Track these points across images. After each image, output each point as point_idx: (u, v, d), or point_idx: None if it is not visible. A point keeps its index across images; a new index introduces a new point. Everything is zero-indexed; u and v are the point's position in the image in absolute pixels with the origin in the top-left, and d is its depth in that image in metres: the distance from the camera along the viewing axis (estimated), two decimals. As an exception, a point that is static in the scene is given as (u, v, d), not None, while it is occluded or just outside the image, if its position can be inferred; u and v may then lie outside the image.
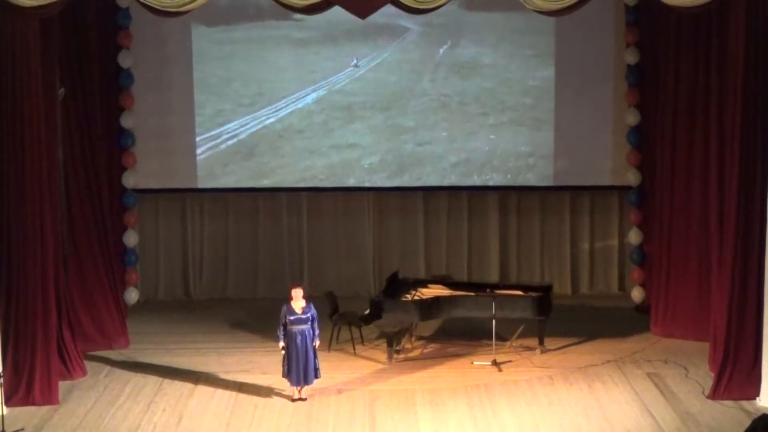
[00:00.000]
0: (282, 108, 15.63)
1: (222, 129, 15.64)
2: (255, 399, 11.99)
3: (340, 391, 12.21)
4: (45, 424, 11.42)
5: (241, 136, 15.67)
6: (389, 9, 14.04)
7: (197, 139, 15.61)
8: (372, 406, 11.77)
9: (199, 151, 15.64)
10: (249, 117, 15.63)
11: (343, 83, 15.63)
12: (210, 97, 15.56)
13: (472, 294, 13.53)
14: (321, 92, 15.62)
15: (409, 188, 15.89)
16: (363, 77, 15.64)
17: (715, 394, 11.84)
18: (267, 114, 15.65)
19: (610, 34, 15.27)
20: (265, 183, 15.72)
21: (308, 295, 12.39)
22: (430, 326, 14.21)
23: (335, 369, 12.84)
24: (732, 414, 11.41)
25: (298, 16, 14.72)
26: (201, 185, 15.76)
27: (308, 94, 15.61)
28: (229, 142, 15.67)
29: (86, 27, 13.82)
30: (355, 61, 15.44)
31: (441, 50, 15.61)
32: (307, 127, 15.65)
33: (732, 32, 11.80)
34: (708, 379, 12.21)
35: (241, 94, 15.59)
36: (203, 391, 12.26)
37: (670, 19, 13.39)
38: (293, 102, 15.61)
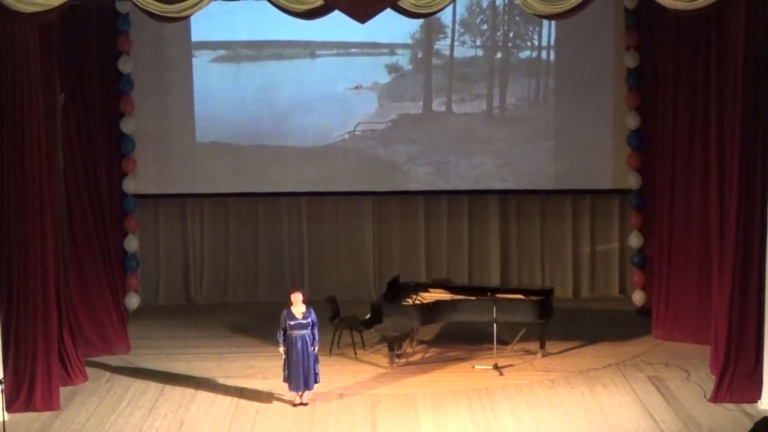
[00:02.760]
0: (286, 115, 15.62)
1: (224, 134, 15.66)
2: (256, 404, 11.96)
3: (341, 396, 12.19)
4: (46, 429, 11.40)
5: (243, 143, 15.68)
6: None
7: (197, 144, 15.64)
8: (373, 411, 11.75)
9: (198, 155, 15.65)
10: (250, 122, 15.64)
11: (346, 92, 15.62)
12: (210, 102, 15.55)
13: (473, 298, 13.52)
14: (324, 99, 15.63)
15: (410, 192, 15.89)
16: (365, 86, 15.62)
17: (717, 396, 11.82)
18: (269, 119, 15.65)
19: (609, 38, 15.27)
20: (267, 188, 15.72)
21: (309, 300, 12.38)
22: (431, 330, 14.20)
23: (336, 373, 12.82)
24: (733, 417, 11.39)
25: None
26: (201, 190, 15.76)
27: (312, 102, 15.61)
28: (231, 147, 15.69)
29: (86, 32, 13.82)
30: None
31: (440, 60, 15.61)
32: (311, 132, 15.63)
33: (731, 35, 11.79)
34: (709, 382, 12.19)
35: (242, 99, 15.60)
36: (204, 396, 12.24)
37: (670, 22, 13.39)
38: (298, 109, 15.61)
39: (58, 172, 12.74)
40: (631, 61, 14.98)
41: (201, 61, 15.54)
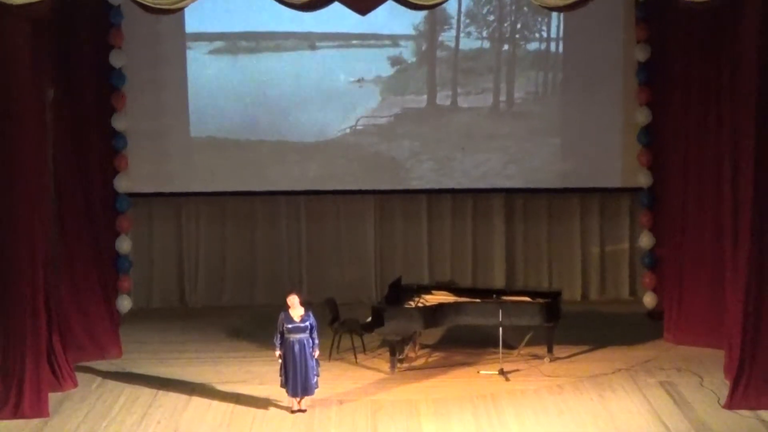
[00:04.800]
0: (285, 110, 15.61)
1: (220, 131, 15.65)
2: (253, 410, 11.98)
3: (341, 402, 12.20)
4: (35, 437, 11.46)
5: (240, 139, 15.67)
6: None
7: (192, 141, 15.63)
8: (374, 417, 11.77)
9: (194, 153, 15.65)
10: (247, 118, 15.63)
11: (347, 86, 15.61)
12: (206, 97, 15.53)
13: (478, 300, 13.53)
14: (324, 93, 15.60)
15: (412, 191, 15.89)
16: (367, 80, 15.62)
17: (732, 403, 11.81)
18: (267, 114, 15.64)
19: (619, 31, 15.25)
20: (265, 186, 15.72)
21: (308, 302, 12.38)
22: (435, 334, 14.21)
23: (336, 379, 12.83)
24: (749, 424, 11.39)
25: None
26: (196, 189, 15.75)
27: (311, 96, 15.60)
28: (228, 144, 15.67)
29: (76, 26, 13.82)
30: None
31: (445, 52, 15.60)
32: (310, 127, 15.61)
33: (745, 26, 11.79)
34: (724, 388, 12.19)
35: (238, 94, 15.59)
36: (199, 402, 12.26)
37: (682, 14, 13.38)
38: (297, 104, 15.59)
39: (48, 170, 12.75)
40: (641, 54, 14.97)
41: (196, 55, 15.54)
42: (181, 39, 15.45)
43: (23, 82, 11.68)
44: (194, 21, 15.23)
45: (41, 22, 12.07)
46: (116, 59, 14.93)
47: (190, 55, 15.52)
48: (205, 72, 15.56)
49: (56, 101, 13.25)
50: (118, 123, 15.10)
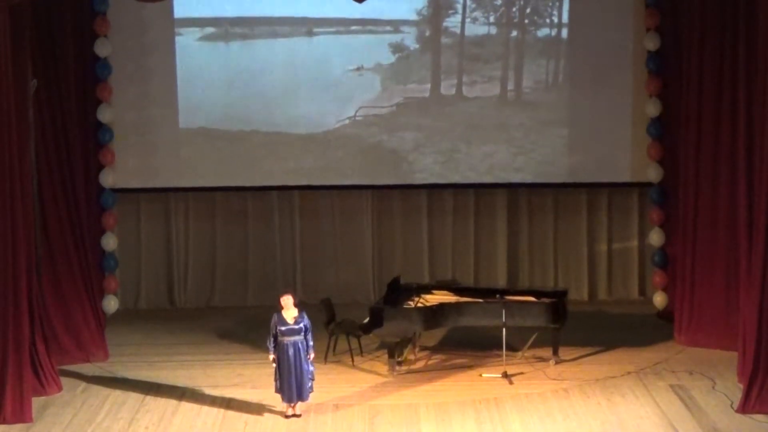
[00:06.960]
0: (279, 100, 15.66)
1: (210, 122, 15.71)
2: (245, 416, 12.02)
3: (337, 407, 12.25)
4: (18, 443, 11.52)
5: (231, 131, 15.73)
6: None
7: (182, 133, 15.68)
8: (372, 423, 11.81)
9: (183, 146, 15.70)
10: (239, 108, 15.69)
11: (346, 74, 15.66)
12: (196, 87, 15.58)
13: (480, 300, 13.57)
14: (322, 82, 15.66)
15: (412, 186, 15.93)
16: (367, 67, 15.68)
17: (745, 407, 11.85)
18: (260, 104, 15.69)
19: (628, 18, 15.31)
20: (258, 181, 15.77)
21: (303, 303, 12.44)
22: (435, 336, 14.27)
23: (332, 382, 12.89)
24: (763, 429, 11.42)
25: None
26: (186, 184, 15.80)
27: (308, 85, 15.65)
28: (218, 137, 15.73)
29: (60, 13, 13.87)
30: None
31: (450, 38, 15.65)
32: (306, 118, 15.67)
33: (762, 13, 11.82)
34: (737, 392, 12.24)
35: (230, 83, 15.65)
36: (189, 407, 12.30)
37: (694, 0, 13.44)
38: (292, 93, 15.65)
39: (30, 165, 12.79)
40: (651, 43, 15.03)
41: (185, 42, 15.58)
42: (169, 25, 15.49)
43: (4, 73, 11.68)
44: (183, 6, 15.29)
45: (20, 10, 12.10)
46: (101, 48, 14.99)
47: (179, 42, 15.57)
48: (195, 60, 15.61)
49: (38, 93, 13.29)
50: (104, 115, 15.15)
